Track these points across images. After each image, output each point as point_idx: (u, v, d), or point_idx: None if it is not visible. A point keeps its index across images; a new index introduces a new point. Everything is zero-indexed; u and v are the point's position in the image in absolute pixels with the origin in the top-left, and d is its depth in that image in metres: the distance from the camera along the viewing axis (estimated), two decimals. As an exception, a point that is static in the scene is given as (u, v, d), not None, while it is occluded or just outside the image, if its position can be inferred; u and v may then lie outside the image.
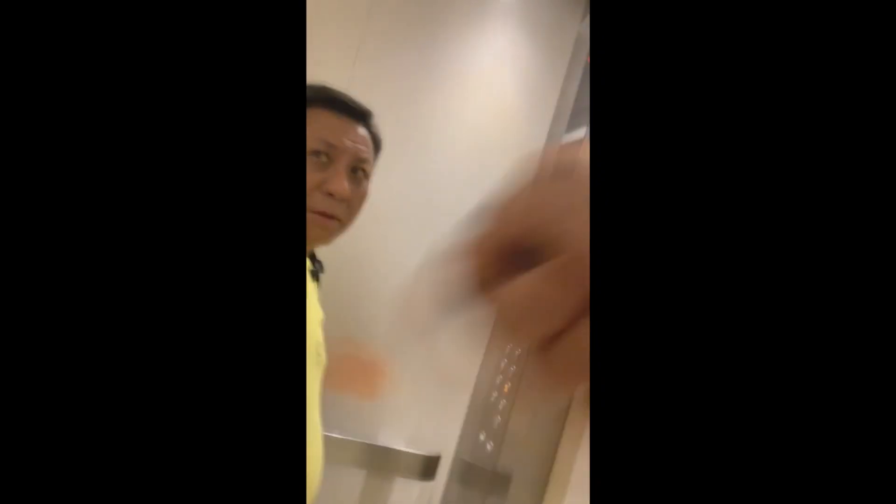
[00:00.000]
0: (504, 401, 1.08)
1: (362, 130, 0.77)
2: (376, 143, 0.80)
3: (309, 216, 0.73)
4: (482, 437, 1.13)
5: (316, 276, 0.90)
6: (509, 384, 1.08)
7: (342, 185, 0.72)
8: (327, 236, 0.76)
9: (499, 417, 1.08)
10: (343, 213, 0.75)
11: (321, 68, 1.18)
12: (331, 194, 0.72)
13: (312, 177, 0.72)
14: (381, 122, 0.84)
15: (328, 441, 1.18)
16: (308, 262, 0.88)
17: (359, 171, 0.76)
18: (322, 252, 0.96)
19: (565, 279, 0.23)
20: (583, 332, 0.24)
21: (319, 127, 0.73)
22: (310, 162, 0.72)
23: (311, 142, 0.72)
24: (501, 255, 0.26)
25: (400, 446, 1.24)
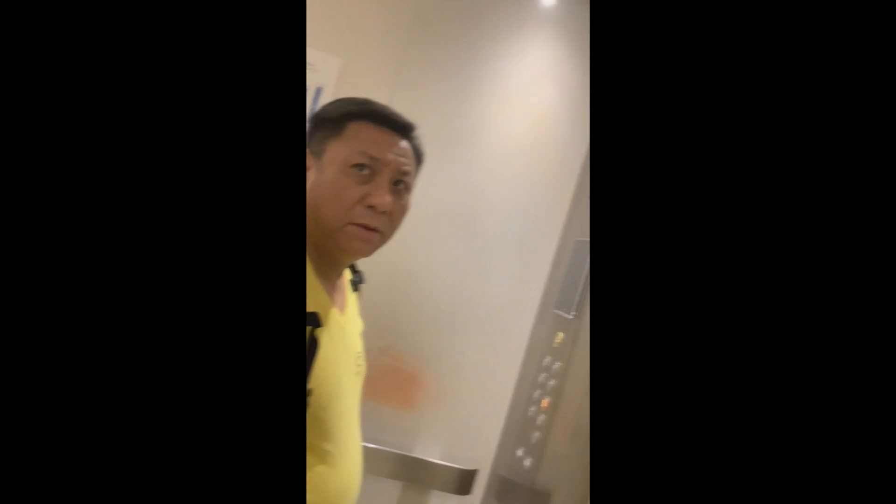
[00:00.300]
0: (543, 416, 1.06)
1: (405, 143, 0.77)
2: (418, 156, 0.81)
3: (351, 229, 0.73)
4: (520, 452, 1.11)
5: (356, 287, 0.91)
6: (548, 399, 1.06)
7: (385, 198, 0.73)
8: (369, 249, 0.76)
9: (538, 433, 1.06)
10: (385, 226, 0.75)
11: (364, 81, 1.20)
12: (372, 207, 0.73)
13: (355, 190, 0.73)
14: (423, 134, 0.84)
15: (366, 451, 1.18)
16: (349, 273, 0.89)
17: (401, 184, 0.77)
18: (363, 262, 0.96)
19: None
20: None
21: (362, 140, 0.74)
22: (353, 175, 0.73)
23: (354, 155, 0.73)
24: None
25: (436, 459, 1.24)
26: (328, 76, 1.21)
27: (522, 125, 1.27)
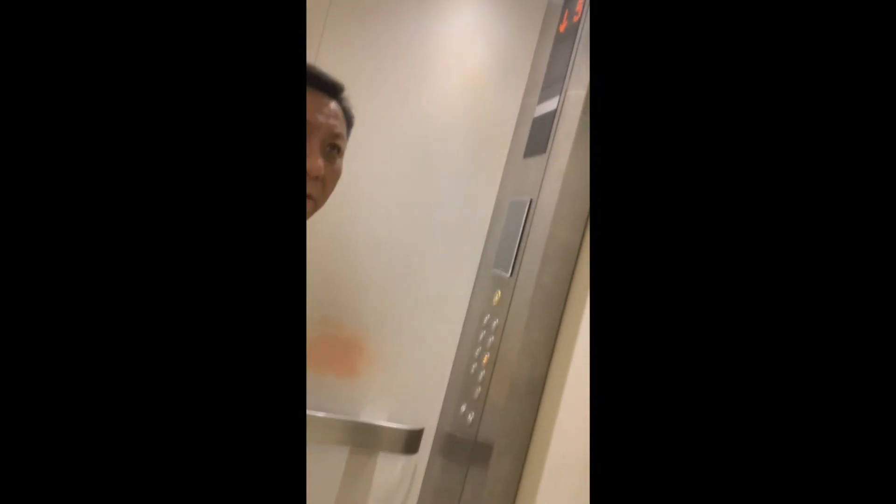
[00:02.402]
0: (483, 372, 1.10)
1: (334, 105, 0.75)
2: (349, 119, 0.79)
3: None
4: (463, 408, 1.15)
5: (290, 256, 0.89)
6: (488, 355, 1.10)
7: (316, 162, 0.71)
8: None
9: (479, 388, 1.10)
10: (317, 192, 0.73)
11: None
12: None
13: None
14: (353, 96, 0.82)
15: (312, 421, 1.18)
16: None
17: (333, 148, 0.75)
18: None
19: None
20: None
21: None
22: None
23: None
24: None
25: (383, 422, 1.26)
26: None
27: (454, 86, 1.26)
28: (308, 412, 1.19)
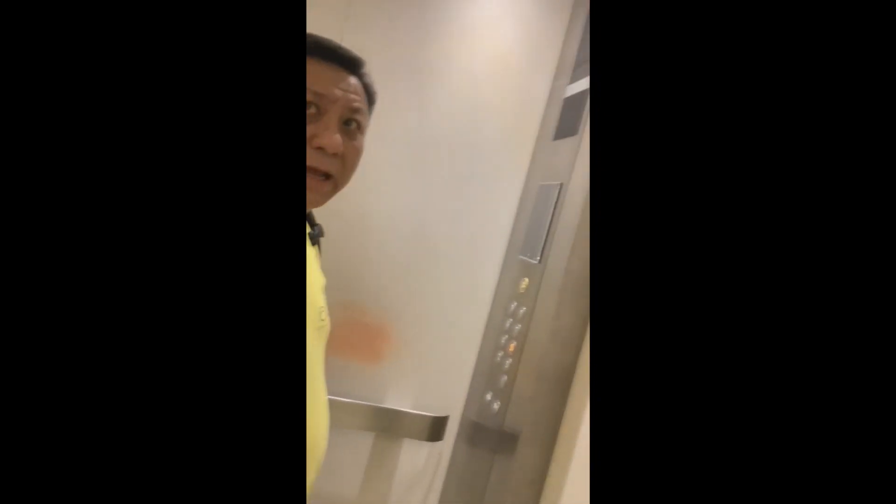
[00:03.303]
0: (510, 360, 1.08)
1: (354, 80, 0.72)
2: (370, 95, 0.76)
3: None
4: (489, 396, 1.13)
5: (315, 241, 0.88)
6: (515, 343, 1.07)
7: (334, 138, 0.68)
8: (320, 197, 0.72)
9: (505, 377, 1.08)
10: (337, 170, 0.71)
11: (311, 18, 1.13)
12: (321, 148, 0.68)
13: None
14: (377, 74, 0.80)
15: (336, 406, 1.18)
16: (307, 226, 0.86)
17: (352, 124, 0.72)
18: (321, 215, 0.93)
19: None
20: None
21: (307, 76, 0.69)
22: None
23: None
24: None
25: (407, 408, 1.25)
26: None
27: (482, 66, 1.22)
28: (333, 397, 1.18)
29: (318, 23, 1.13)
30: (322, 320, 0.81)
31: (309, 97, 0.68)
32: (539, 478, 0.95)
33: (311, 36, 0.72)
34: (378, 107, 0.82)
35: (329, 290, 1.12)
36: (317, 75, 0.69)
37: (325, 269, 0.90)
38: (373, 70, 0.78)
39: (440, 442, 1.27)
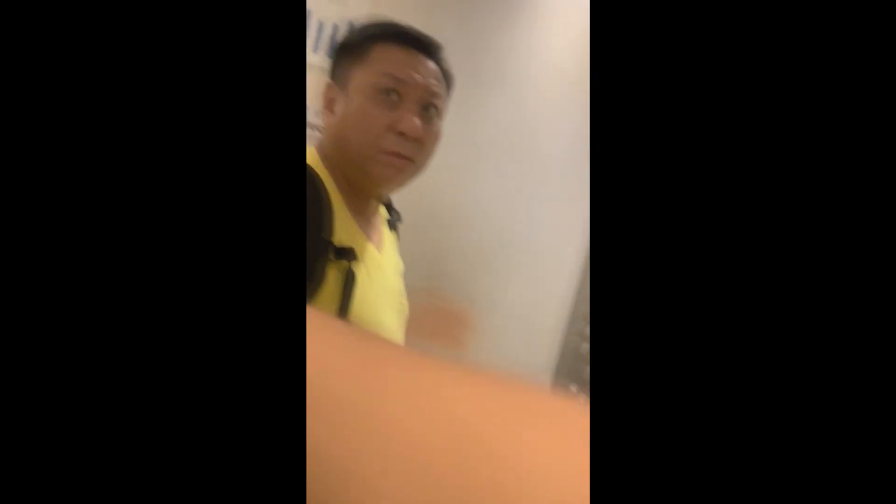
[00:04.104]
0: (594, 352, 1.04)
1: (432, 64, 0.73)
2: (448, 79, 0.76)
3: (381, 157, 0.70)
4: (573, 388, 1.10)
5: (394, 226, 0.89)
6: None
7: (414, 122, 0.69)
8: (401, 178, 0.73)
9: (588, 367, 1.04)
10: (416, 154, 0.72)
11: (395, 11, 1.14)
12: (402, 133, 0.69)
13: (383, 116, 0.69)
14: (458, 59, 0.79)
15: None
16: (384, 212, 0.87)
17: (431, 109, 0.72)
18: (402, 202, 0.94)
19: None
20: None
21: (386, 62, 0.70)
22: (380, 101, 0.69)
23: (379, 78, 0.69)
24: None
25: (489, 396, 1.24)
26: (359, 9, 1.16)
27: (566, 53, 1.18)
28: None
29: (401, 7, 1.14)
30: (401, 304, 0.82)
31: (389, 82, 0.69)
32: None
33: (391, 23, 0.73)
34: (461, 93, 0.81)
35: (413, 276, 1.14)
36: (397, 61, 0.70)
37: (410, 256, 0.91)
38: (454, 56, 0.78)
39: (522, 432, 1.26)
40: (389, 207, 0.90)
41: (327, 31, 1.18)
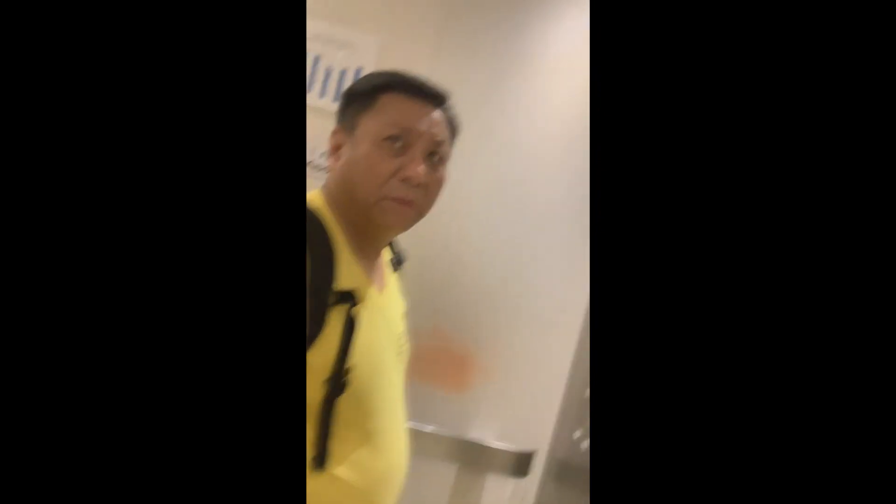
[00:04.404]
0: (599, 397, 1.02)
1: (438, 114, 0.75)
2: (453, 127, 0.78)
3: (386, 203, 0.71)
4: (577, 434, 1.07)
5: (397, 266, 0.89)
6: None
7: (418, 169, 0.70)
8: (404, 223, 0.74)
9: (594, 414, 1.02)
10: (420, 199, 0.73)
11: (403, 58, 1.18)
12: (407, 179, 0.70)
13: (389, 163, 0.71)
14: (465, 107, 0.81)
15: (419, 435, 1.18)
16: (389, 252, 0.88)
17: (435, 156, 0.74)
18: (408, 242, 0.95)
19: None
20: None
21: (393, 111, 0.72)
22: (386, 148, 0.71)
23: (387, 127, 0.71)
24: None
25: (492, 441, 1.21)
26: (367, 56, 1.20)
27: (570, 95, 1.20)
28: (416, 425, 1.18)
29: (410, 63, 1.18)
30: (402, 346, 0.81)
31: (396, 131, 0.71)
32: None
33: (398, 74, 0.75)
34: (468, 138, 0.82)
35: (416, 316, 1.13)
36: (404, 111, 0.72)
37: (414, 296, 0.91)
38: (460, 103, 0.80)
39: (525, 478, 1.22)
40: (394, 248, 0.90)
41: (335, 77, 1.21)
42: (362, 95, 0.74)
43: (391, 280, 0.84)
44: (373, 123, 0.72)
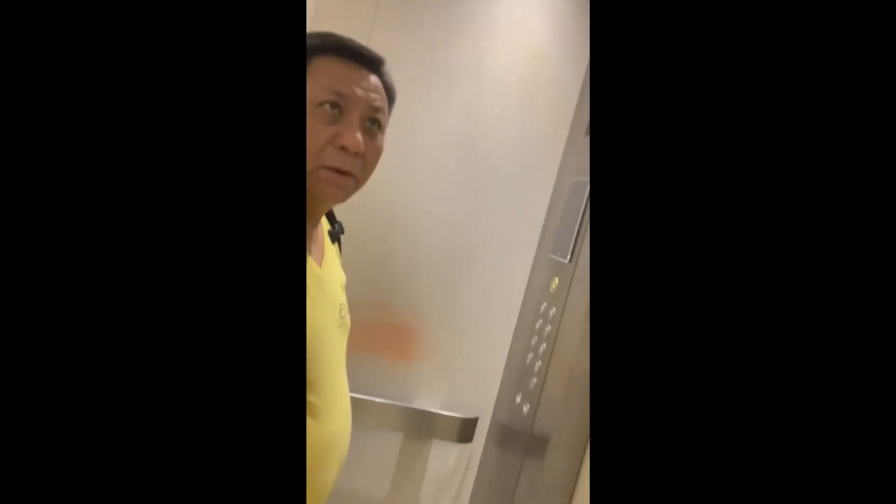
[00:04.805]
0: (540, 362, 1.05)
1: (375, 79, 0.72)
2: (390, 94, 0.75)
3: (322, 173, 0.69)
4: (518, 399, 1.10)
5: (336, 238, 0.88)
6: (545, 345, 1.04)
7: (356, 138, 0.68)
8: (341, 194, 0.72)
9: (535, 379, 1.05)
10: (358, 169, 0.71)
11: (339, 18, 1.13)
12: (344, 148, 0.68)
13: (323, 130, 0.68)
14: (403, 73, 0.79)
15: (365, 405, 1.18)
16: (326, 223, 0.86)
17: (373, 123, 0.72)
18: (349, 214, 0.93)
19: None
20: None
21: (328, 76, 0.69)
22: (320, 115, 0.68)
23: (320, 92, 0.68)
24: None
25: (437, 409, 1.23)
26: (303, 18, 1.15)
27: (514, 62, 1.20)
28: (362, 396, 1.18)
29: (347, 23, 1.13)
30: (342, 317, 0.80)
31: (331, 97, 0.68)
32: (569, 484, 0.92)
33: (333, 36, 0.72)
34: (407, 105, 0.81)
35: (357, 288, 1.12)
36: (339, 75, 0.69)
37: (354, 268, 0.89)
38: (401, 69, 0.77)
39: (470, 444, 1.25)
40: (332, 219, 0.88)
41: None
42: None
43: (330, 252, 0.82)
44: (307, 88, 0.69)
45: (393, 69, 0.76)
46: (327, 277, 0.77)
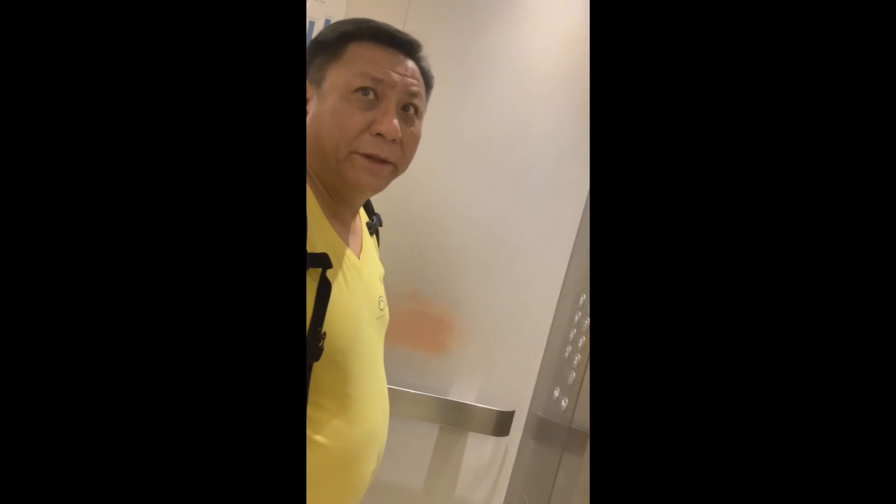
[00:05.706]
0: (579, 356, 1.02)
1: (411, 63, 0.70)
2: (427, 79, 0.74)
3: (357, 160, 0.68)
4: (556, 392, 1.08)
5: (374, 230, 0.87)
6: (584, 338, 1.02)
7: (392, 123, 0.66)
8: (379, 182, 0.71)
9: (573, 373, 1.03)
10: (395, 156, 0.69)
11: (374, 10, 1.12)
12: (380, 134, 0.67)
13: (360, 116, 0.66)
14: (440, 60, 0.77)
15: (402, 396, 1.18)
16: (365, 216, 0.85)
17: (410, 109, 0.70)
18: (381, 204, 0.92)
19: None
20: None
21: (363, 61, 0.67)
22: (356, 101, 0.67)
23: (356, 78, 0.67)
24: None
25: (473, 401, 1.22)
26: (336, 7, 1.14)
27: (550, 49, 1.17)
28: (397, 387, 1.18)
29: (381, 15, 1.12)
30: (381, 310, 0.79)
31: (367, 83, 0.66)
32: (609, 481, 0.89)
33: (367, 21, 0.70)
34: (443, 94, 0.79)
35: (394, 280, 1.11)
36: (374, 60, 0.67)
37: (391, 260, 0.89)
38: (437, 57, 0.76)
39: (506, 437, 1.24)
40: (370, 210, 0.88)
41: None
42: (329, 45, 0.69)
43: (369, 244, 0.82)
44: (341, 75, 0.67)
45: (429, 55, 0.74)
46: (365, 269, 0.76)
